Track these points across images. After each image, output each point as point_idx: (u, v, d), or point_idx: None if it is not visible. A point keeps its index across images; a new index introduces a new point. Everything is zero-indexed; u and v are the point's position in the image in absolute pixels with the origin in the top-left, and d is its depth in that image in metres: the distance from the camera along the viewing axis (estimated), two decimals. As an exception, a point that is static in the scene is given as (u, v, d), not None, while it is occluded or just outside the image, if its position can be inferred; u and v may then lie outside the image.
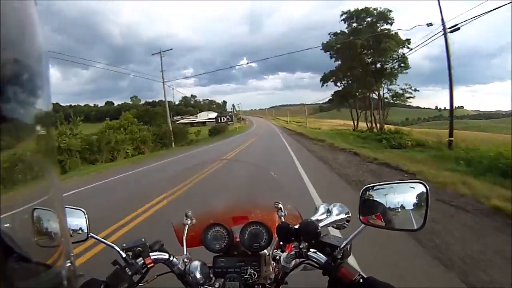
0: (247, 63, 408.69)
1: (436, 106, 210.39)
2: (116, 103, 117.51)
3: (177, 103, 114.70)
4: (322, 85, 35.17)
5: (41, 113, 0.36)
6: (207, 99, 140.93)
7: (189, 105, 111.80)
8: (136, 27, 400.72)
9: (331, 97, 36.62)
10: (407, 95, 30.07)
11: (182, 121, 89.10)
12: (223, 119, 75.85)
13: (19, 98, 0.33)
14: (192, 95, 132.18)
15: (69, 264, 0.40)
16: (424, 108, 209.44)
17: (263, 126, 66.82)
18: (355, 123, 35.52)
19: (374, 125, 30.53)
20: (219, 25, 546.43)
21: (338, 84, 34.82)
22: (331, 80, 34.44)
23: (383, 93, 30.85)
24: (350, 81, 33.58)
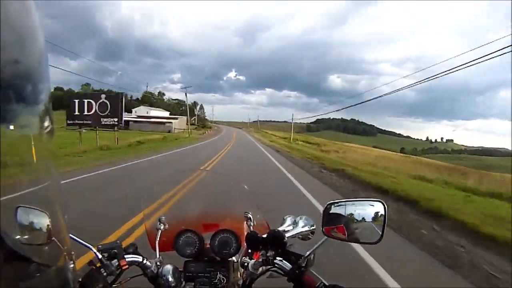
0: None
1: (427, 137, 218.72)
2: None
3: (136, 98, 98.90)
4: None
5: (41, 112, 0.37)
6: (177, 99, 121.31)
7: (146, 102, 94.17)
8: (130, 24, 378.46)
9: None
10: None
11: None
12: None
13: (19, 97, 0.33)
14: (159, 92, 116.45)
15: (72, 265, 0.41)
16: (415, 138, 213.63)
17: (232, 147, 26.32)
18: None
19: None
20: (213, 34, 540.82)
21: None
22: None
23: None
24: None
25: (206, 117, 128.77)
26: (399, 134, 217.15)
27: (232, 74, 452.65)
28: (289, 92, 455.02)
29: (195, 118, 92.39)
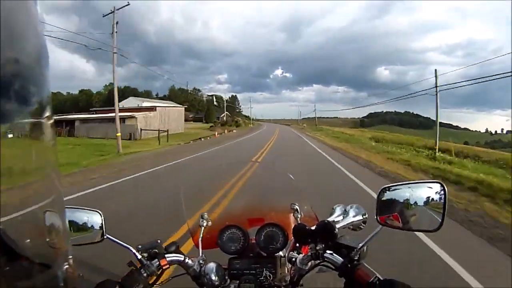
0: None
1: (487, 129, 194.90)
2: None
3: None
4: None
5: (41, 112, 0.36)
6: (212, 94, 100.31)
7: (173, 100, 71.10)
8: (172, 27, 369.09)
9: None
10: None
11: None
12: None
13: (19, 97, 0.32)
14: (195, 88, 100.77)
15: (67, 266, 0.41)
16: (473, 130, 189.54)
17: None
18: None
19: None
20: (257, 31, 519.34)
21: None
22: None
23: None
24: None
25: (241, 111, 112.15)
26: (456, 126, 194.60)
27: (278, 72, 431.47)
28: (337, 87, 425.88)
29: (226, 114, 74.72)
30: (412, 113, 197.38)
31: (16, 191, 0.34)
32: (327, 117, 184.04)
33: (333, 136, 37.00)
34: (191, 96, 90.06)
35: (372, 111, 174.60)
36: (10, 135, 0.32)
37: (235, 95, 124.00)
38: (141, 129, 28.21)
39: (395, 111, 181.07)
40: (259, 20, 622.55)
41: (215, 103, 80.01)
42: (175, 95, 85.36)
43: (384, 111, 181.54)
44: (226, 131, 40.08)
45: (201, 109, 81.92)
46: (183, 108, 43.06)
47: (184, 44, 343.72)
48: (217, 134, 33.42)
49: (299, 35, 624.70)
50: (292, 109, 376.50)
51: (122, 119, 29.13)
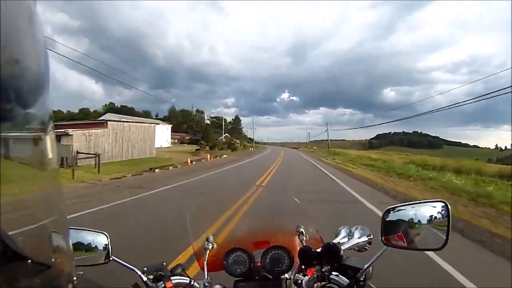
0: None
1: (496, 145, 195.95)
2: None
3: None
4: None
5: (41, 113, 0.36)
6: (217, 116, 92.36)
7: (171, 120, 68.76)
8: (180, 52, 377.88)
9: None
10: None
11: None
12: None
13: (19, 98, 0.32)
14: (198, 110, 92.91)
15: (71, 287, 0.41)
16: (483, 147, 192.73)
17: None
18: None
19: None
20: (263, 55, 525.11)
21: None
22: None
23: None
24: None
25: (243, 134, 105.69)
26: (465, 144, 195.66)
27: (285, 95, 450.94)
28: (343, 109, 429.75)
29: (226, 136, 70.79)
30: (421, 132, 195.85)
31: (18, 211, 0.33)
32: (335, 139, 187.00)
33: (361, 163, 24.91)
34: (190, 117, 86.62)
35: (380, 133, 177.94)
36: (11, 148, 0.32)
37: (238, 116, 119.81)
38: (77, 152, 19.02)
39: (403, 131, 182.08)
40: (264, 44, 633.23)
41: (206, 121, 73.53)
42: (174, 116, 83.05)
43: (392, 132, 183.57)
44: (209, 156, 28.60)
45: (199, 130, 77.59)
46: (156, 126, 27.88)
47: (191, 67, 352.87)
48: (190, 161, 22.62)
49: (304, 59, 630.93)
50: (299, 132, 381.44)
51: (58, 137, 20.54)
